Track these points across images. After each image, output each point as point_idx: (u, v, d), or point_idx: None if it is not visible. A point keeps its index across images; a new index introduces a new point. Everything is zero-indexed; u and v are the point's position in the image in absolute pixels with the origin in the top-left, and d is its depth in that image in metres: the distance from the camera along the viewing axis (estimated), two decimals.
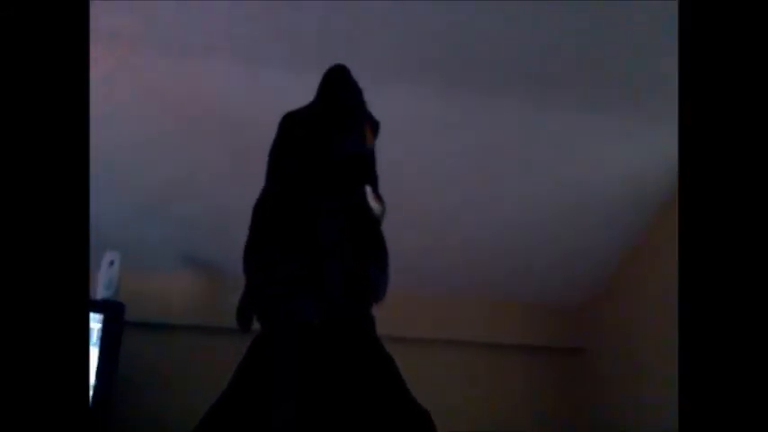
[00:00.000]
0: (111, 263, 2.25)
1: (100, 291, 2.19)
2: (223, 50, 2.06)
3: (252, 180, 2.46)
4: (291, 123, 1.54)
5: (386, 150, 2.43)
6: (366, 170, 1.53)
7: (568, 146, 2.55)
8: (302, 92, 2.20)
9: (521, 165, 2.61)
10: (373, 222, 1.48)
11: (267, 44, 2.04)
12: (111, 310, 2.13)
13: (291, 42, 2.04)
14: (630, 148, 2.58)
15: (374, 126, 1.60)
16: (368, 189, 1.50)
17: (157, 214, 2.44)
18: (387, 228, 1.59)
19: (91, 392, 1.93)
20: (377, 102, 2.25)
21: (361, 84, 2.15)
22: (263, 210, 1.47)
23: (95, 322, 2.06)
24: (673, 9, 1.14)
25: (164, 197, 2.40)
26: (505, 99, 2.32)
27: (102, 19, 1.84)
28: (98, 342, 2.05)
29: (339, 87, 1.58)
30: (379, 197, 1.51)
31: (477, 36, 2.05)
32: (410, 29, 2.02)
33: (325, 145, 1.49)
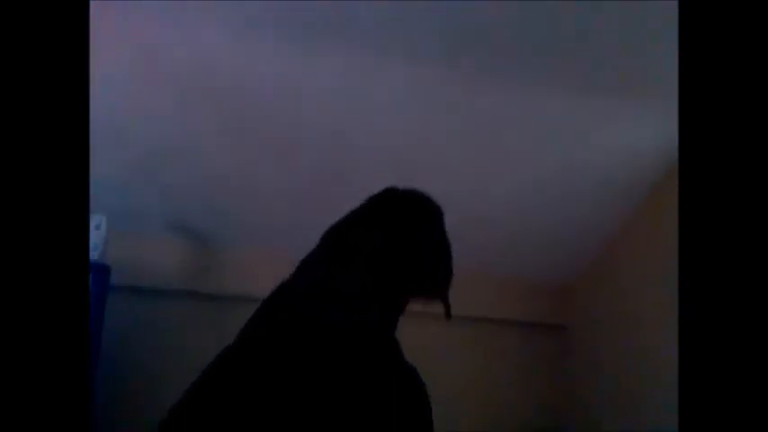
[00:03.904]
0: (98, 225, 2.25)
1: None
2: (216, 19, 2.04)
3: (242, 148, 2.47)
4: (392, 205, 1.51)
5: (377, 127, 2.45)
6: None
7: (559, 126, 2.54)
8: (294, 62, 2.19)
9: (512, 144, 2.60)
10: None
11: (260, 14, 2.02)
12: (97, 272, 2.13)
13: (285, 12, 2.02)
14: (621, 129, 2.58)
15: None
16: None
17: (146, 179, 2.43)
18: None
19: None
20: (372, 77, 2.24)
21: (357, 60, 2.15)
22: (333, 234, 1.46)
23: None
24: None
25: (153, 162, 2.39)
26: (499, 79, 2.31)
27: None
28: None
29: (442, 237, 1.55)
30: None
31: (473, 17, 2.03)
32: (409, 4, 2.00)
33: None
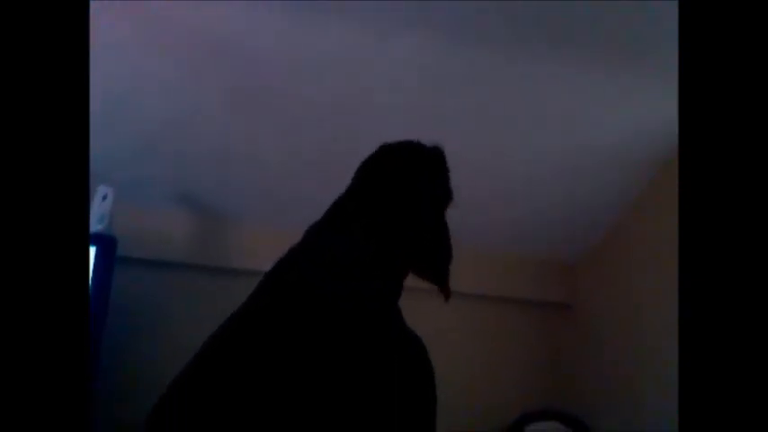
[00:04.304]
0: (105, 197, 2.25)
1: (92, 224, 2.19)
2: None
3: (250, 119, 2.46)
4: (385, 155, 1.57)
5: (385, 100, 2.43)
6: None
7: (565, 104, 2.52)
8: (302, 32, 2.17)
9: (519, 122, 2.59)
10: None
11: None
12: (103, 244, 2.13)
13: None
14: (629, 107, 2.56)
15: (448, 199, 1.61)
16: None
17: (154, 150, 2.42)
18: None
19: None
20: (379, 50, 2.23)
21: (364, 31, 2.13)
22: (338, 206, 1.48)
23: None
24: None
25: (161, 133, 2.38)
26: (506, 55, 2.29)
27: None
28: (90, 276, 2.06)
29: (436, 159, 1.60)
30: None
31: None
32: None
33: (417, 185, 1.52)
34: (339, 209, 1.46)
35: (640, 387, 2.76)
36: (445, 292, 1.49)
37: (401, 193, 1.45)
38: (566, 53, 2.29)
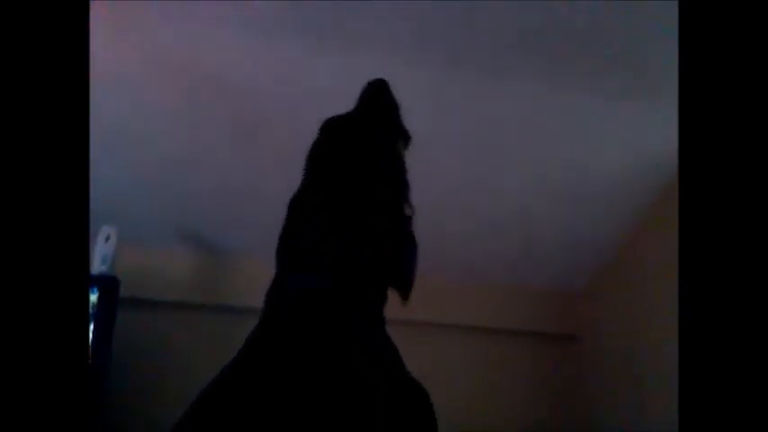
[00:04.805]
0: (108, 238, 2.24)
1: (95, 265, 2.18)
2: (228, 22, 2.04)
3: (253, 157, 2.46)
4: (331, 127, 1.65)
5: None
6: (400, 174, 1.62)
7: (569, 130, 2.53)
8: (302, 64, 2.18)
9: (521, 150, 2.59)
10: (406, 218, 1.56)
11: (272, 18, 2.02)
12: (106, 285, 2.12)
13: (296, 16, 2.02)
14: (629, 134, 2.56)
15: (406, 139, 1.69)
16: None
17: (156, 189, 2.43)
18: None
19: None
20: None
21: (362, 65, 2.13)
22: (299, 205, 1.51)
23: (90, 296, 2.05)
24: None
25: (163, 172, 2.38)
26: (507, 81, 2.30)
27: None
28: (93, 316, 2.04)
29: (378, 99, 1.69)
30: (409, 202, 1.59)
31: (480, 15, 2.03)
32: (411, 5, 2.00)
33: (362, 148, 1.58)
34: (304, 210, 1.48)
35: (645, 418, 2.71)
36: (405, 293, 1.49)
37: (358, 176, 1.49)
38: (565, 81, 2.30)
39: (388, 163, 1.58)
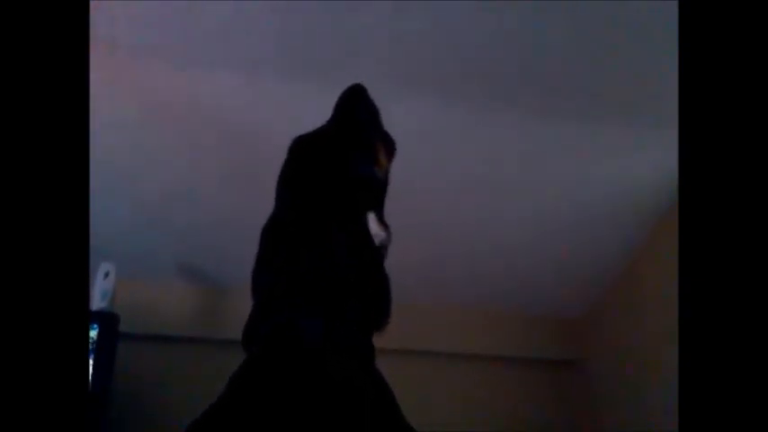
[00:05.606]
0: (107, 274, 2.24)
1: (95, 302, 2.18)
2: (223, 61, 2.06)
3: (250, 191, 2.46)
4: (301, 146, 1.53)
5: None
6: (372, 195, 1.48)
7: (566, 159, 2.55)
8: (301, 103, 2.19)
9: (519, 178, 2.60)
10: (374, 250, 1.44)
11: (267, 55, 2.05)
12: (106, 322, 2.12)
13: (292, 54, 2.04)
14: (626, 161, 2.58)
15: (389, 146, 1.57)
16: (370, 216, 1.44)
17: (154, 225, 2.43)
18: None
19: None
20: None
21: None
22: (272, 234, 1.43)
23: (90, 333, 2.05)
24: (673, 19, 1.14)
25: (161, 208, 2.39)
26: (504, 113, 2.32)
27: (101, 26, 1.84)
28: (93, 353, 2.03)
29: (352, 107, 1.54)
30: (384, 224, 1.46)
31: (476, 48, 2.05)
32: (409, 40, 2.02)
33: (334, 167, 1.46)
34: (275, 241, 1.42)
35: None
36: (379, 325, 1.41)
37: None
38: (562, 109, 2.32)
39: (360, 185, 1.47)
